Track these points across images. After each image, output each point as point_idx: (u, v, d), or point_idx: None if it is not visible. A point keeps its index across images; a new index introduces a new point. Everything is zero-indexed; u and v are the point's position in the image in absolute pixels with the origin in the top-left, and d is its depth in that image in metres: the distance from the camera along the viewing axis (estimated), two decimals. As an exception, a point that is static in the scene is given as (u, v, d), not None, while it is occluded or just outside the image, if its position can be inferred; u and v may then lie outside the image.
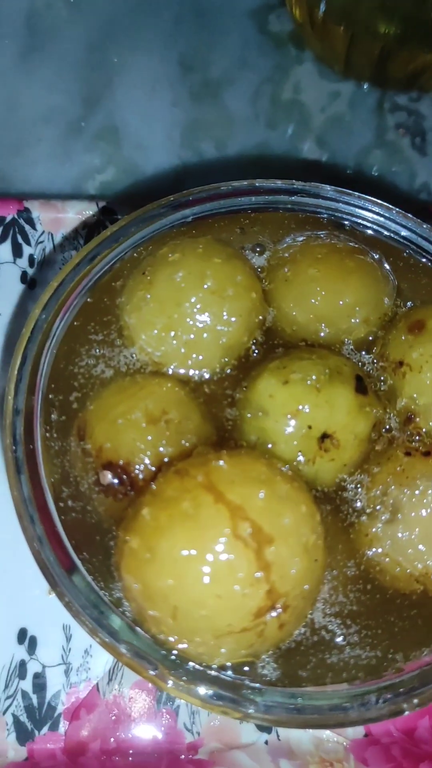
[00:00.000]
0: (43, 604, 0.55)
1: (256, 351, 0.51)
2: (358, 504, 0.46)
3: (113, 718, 0.54)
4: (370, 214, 0.54)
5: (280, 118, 0.78)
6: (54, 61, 0.76)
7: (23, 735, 0.53)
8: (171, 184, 0.74)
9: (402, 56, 0.73)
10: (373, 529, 0.45)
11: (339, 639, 0.44)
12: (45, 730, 0.53)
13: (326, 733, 0.54)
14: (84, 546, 0.44)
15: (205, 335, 0.48)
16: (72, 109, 0.75)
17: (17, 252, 0.64)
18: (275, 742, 0.54)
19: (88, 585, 0.43)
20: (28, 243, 0.64)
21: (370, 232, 0.54)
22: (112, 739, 0.53)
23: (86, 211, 0.66)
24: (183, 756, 0.53)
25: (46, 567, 0.43)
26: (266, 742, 0.54)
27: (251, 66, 0.79)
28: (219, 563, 0.38)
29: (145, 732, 0.54)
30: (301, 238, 0.53)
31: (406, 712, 0.41)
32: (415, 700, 0.42)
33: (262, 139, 0.78)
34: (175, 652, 0.41)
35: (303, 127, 0.78)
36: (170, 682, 0.41)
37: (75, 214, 0.66)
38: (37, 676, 0.54)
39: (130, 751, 0.53)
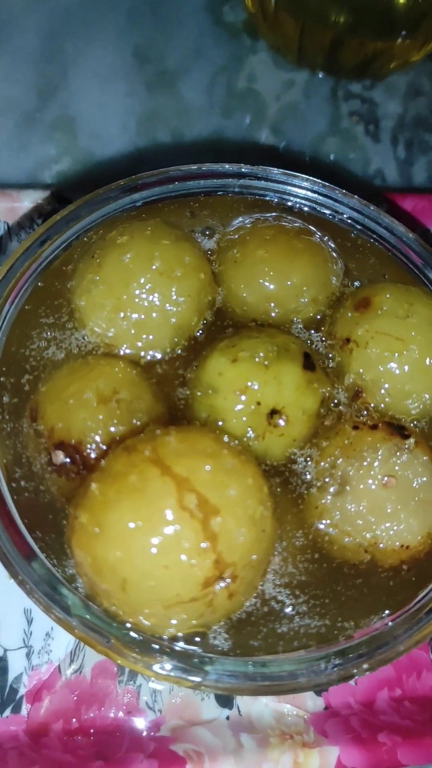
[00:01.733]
0: (3, 588, 0.55)
1: (207, 331, 0.51)
2: (308, 477, 0.47)
3: (75, 698, 0.54)
4: (317, 195, 0.55)
5: (235, 107, 0.79)
6: (8, 52, 0.77)
7: (-14, 719, 0.54)
8: (127, 173, 0.73)
9: (353, 44, 0.74)
10: (323, 501, 0.46)
11: (289, 609, 0.45)
12: (7, 712, 0.54)
13: (286, 707, 0.55)
14: (37, 525, 0.45)
15: (154, 315, 0.48)
16: (27, 99, 0.75)
17: (-28, 241, 0.64)
18: (236, 717, 0.55)
19: (41, 563, 0.43)
20: (-17, 232, 0.65)
21: (316, 213, 0.55)
22: (74, 720, 0.54)
23: (41, 199, 0.66)
24: (145, 733, 0.54)
25: (0, 547, 0.43)
26: (227, 718, 0.55)
27: (206, 56, 0.80)
28: (165, 534, 0.38)
29: (107, 711, 0.54)
30: (249, 221, 0.54)
31: (356, 677, 0.42)
32: (365, 666, 0.43)
33: (218, 128, 0.78)
34: (127, 624, 0.42)
35: (259, 116, 0.79)
36: (124, 655, 0.41)
37: (30, 203, 0.66)
38: (-2, 660, 0.55)
39: (92, 731, 0.53)
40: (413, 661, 0.58)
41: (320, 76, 0.81)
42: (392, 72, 0.80)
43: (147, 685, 0.55)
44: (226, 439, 0.43)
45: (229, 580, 0.40)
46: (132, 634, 0.41)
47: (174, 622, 0.41)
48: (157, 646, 0.41)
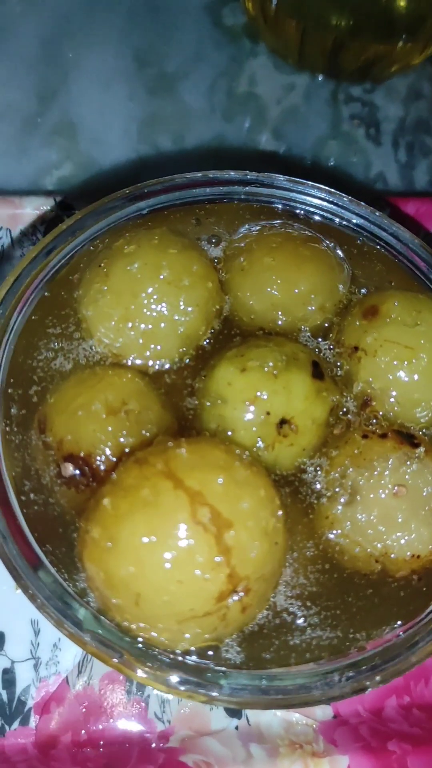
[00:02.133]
0: (10, 600, 0.54)
1: (215, 340, 0.51)
2: (318, 487, 0.47)
3: (83, 710, 0.54)
4: (323, 202, 0.55)
5: (236, 110, 0.79)
6: (8, 57, 0.76)
7: (-6, 731, 0.53)
8: (129, 178, 0.74)
9: (354, 48, 0.74)
10: (333, 511, 0.46)
11: (301, 621, 0.44)
12: (16, 725, 0.53)
13: (295, 716, 0.55)
14: (47, 538, 0.44)
15: (162, 325, 0.48)
16: (27, 105, 0.75)
17: (-25, 249, 0.64)
18: (245, 727, 0.54)
19: (52, 577, 0.43)
20: (-14, 240, 0.64)
21: (323, 220, 0.55)
22: (83, 732, 0.53)
23: (44, 206, 0.66)
24: (154, 745, 0.53)
25: (10, 561, 0.43)
26: (236, 728, 0.54)
27: (206, 60, 0.80)
28: (179, 549, 0.38)
29: (116, 723, 0.54)
30: (256, 228, 0.54)
31: (369, 689, 0.42)
32: (378, 677, 0.43)
33: (219, 132, 0.78)
34: (139, 639, 0.41)
35: (259, 120, 0.79)
36: (136, 670, 0.41)
37: (33, 209, 0.66)
38: (6, 672, 0.54)
39: (101, 743, 0.53)
40: (422, 669, 0.58)
41: (320, 79, 0.80)
42: (393, 75, 0.80)
43: (155, 696, 0.55)
44: (237, 450, 0.43)
45: (242, 594, 0.40)
46: (144, 648, 0.41)
47: (187, 636, 0.40)
48: (170, 661, 0.41)
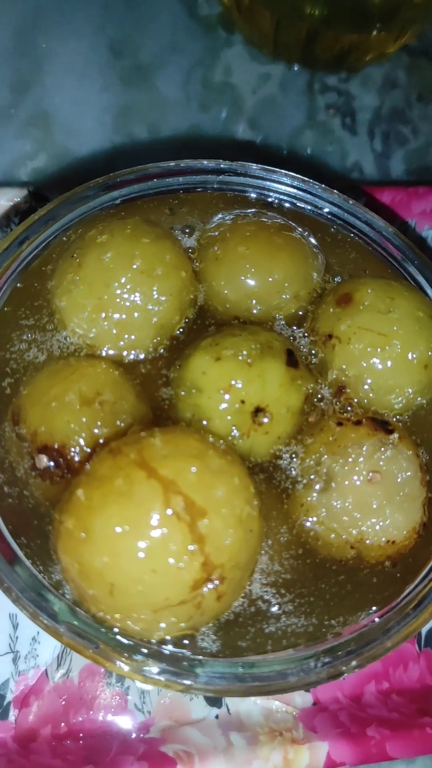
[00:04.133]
0: (-13, 594, 0.54)
1: (189, 330, 0.51)
2: (293, 474, 0.47)
3: (63, 703, 0.54)
4: (296, 190, 0.55)
5: (212, 101, 0.78)
6: (-20, 47, 0.75)
7: (-27, 726, 0.53)
8: (103, 169, 0.72)
9: (328, 37, 0.74)
10: (308, 498, 0.46)
11: (276, 608, 0.44)
12: (-5, 719, 0.53)
13: (275, 704, 0.55)
14: (22, 531, 0.44)
15: (136, 315, 0.48)
16: (1, 96, 0.74)
17: None
18: (225, 716, 0.55)
19: (27, 569, 0.43)
20: (-41, 232, 0.64)
21: (296, 208, 0.55)
22: (63, 724, 0.53)
23: (17, 197, 0.65)
24: (134, 735, 0.53)
25: (-16, 554, 0.43)
26: (216, 717, 0.55)
27: (181, 50, 0.79)
28: (153, 538, 0.38)
29: (96, 714, 0.54)
30: (229, 217, 0.53)
31: (345, 675, 0.42)
32: (354, 663, 0.43)
33: (195, 123, 0.78)
34: (115, 629, 0.41)
35: (235, 110, 0.79)
36: (113, 660, 0.41)
37: (6, 201, 0.65)
38: (-16, 666, 0.54)
39: (81, 735, 0.53)
40: (400, 654, 0.58)
41: (296, 69, 0.80)
42: (368, 64, 0.80)
43: (135, 687, 0.55)
44: (211, 439, 0.42)
45: (217, 582, 0.40)
46: (120, 638, 0.41)
47: (163, 625, 0.40)
48: (146, 650, 0.41)
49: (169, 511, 0.38)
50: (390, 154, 0.79)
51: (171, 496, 0.38)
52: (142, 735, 0.53)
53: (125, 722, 0.54)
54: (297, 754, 0.52)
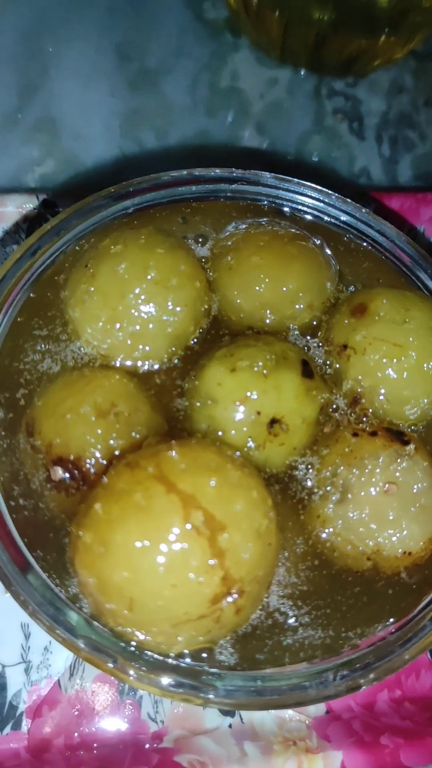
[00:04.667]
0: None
1: (203, 340, 0.51)
2: (309, 485, 0.47)
3: (76, 713, 0.54)
4: (310, 199, 0.54)
5: (219, 105, 0.78)
6: (-14, 52, 0.75)
7: (-15, 736, 0.53)
8: (112, 175, 0.74)
9: (336, 42, 0.74)
10: (324, 510, 0.46)
11: (293, 620, 0.44)
12: (7, 729, 0.53)
13: (288, 713, 0.55)
14: (37, 544, 0.44)
15: (150, 326, 0.48)
16: (7, 100, 0.74)
17: (-43, 249, 0.63)
18: (239, 725, 0.55)
19: (43, 583, 0.43)
20: (-32, 239, 0.63)
21: (310, 217, 0.55)
22: (76, 734, 0.53)
23: (26, 204, 0.65)
24: (148, 745, 0.53)
25: (0, 567, 0.42)
26: (230, 726, 0.54)
27: (188, 54, 0.79)
28: (173, 553, 0.38)
29: (109, 724, 0.54)
30: (243, 226, 0.53)
31: (363, 687, 0.42)
32: (372, 675, 0.43)
33: (202, 127, 0.77)
34: (133, 643, 0.41)
35: (242, 115, 0.78)
36: (131, 674, 0.41)
37: (15, 207, 0.65)
38: (-4, 676, 0.54)
39: (95, 745, 0.53)
40: (412, 662, 0.58)
41: (303, 73, 0.80)
42: (375, 69, 0.80)
43: (148, 697, 0.55)
44: (228, 452, 0.42)
45: (236, 596, 0.40)
46: (138, 652, 0.41)
47: (181, 639, 0.40)
48: (164, 664, 0.41)
49: (189, 526, 0.38)
50: (398, 159, 0.79)
51: (191, 511, 0.38)
52: (155, 745, 0.53)
53: (139, 732, 0.54)
54: (311, 764, 0.52)
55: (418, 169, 0.78)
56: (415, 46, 0.78)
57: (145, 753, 0.53)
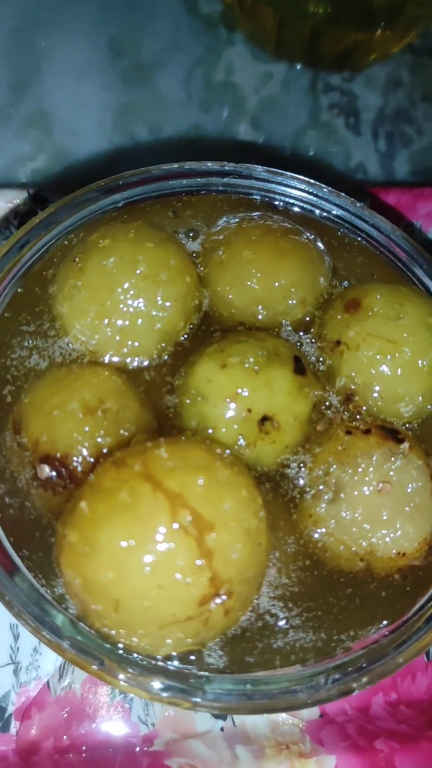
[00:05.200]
0: (-13, 604, 0.53)
1: (194, 336, 0.50)
2: (301, 484, 0.46)
3: (65, 715, 0.53)
4: (303, 193, 0.54)
5: (213, 100, 0.77)
6: (-22, 46, 0.74)
7: (-27, 739, 0.52)
8: (104, 170, 0.72)
9: (332, 36, 0.73)
10: (317, 510, 0.45)
11: (284, 622, 0.43)
12: (-5, 732, 0.52)
13: (282, 716, 0.54)
14: (23, 543, 0.43)
15: (139, 321, 0.47)
16: (-1, 95, 0.73)
17: None
18: (231, 729, 0.54)
19: (29, 583, 0.42)
20: (-43, 234, 0.63)
21: (303, 211, 0.54)
22: (65, 737, 0.52)
23: (17, 199, 0.64)
24: (138, 749, 0.52)
25: (-16, 566, 0.42)
26: (222, 729, 0.54)
27: (182, 48, 0.78)
28: (159, 553, 0.37)
29: (99, 727, 0.53)
30: (234, 220, 0.52)
31: (356, 691, 0.41)
32: (365, 679, 0.42)
33: (197, 122, 0.77)
34: (120, 645, 0.40)
35: (237, 109, 0.78)
36: (117, 676, 0.40)
37: (5, 202, 0.64)
38: (-16, 678, 0.53)
39: (84, 748, 0.52)
40: (408, 665, 0.57)
41: (299, 68, 0.79)
42: (371, 64, 0.79)
43: (139, 699, 0.54)
44: (218, 450, 0.41)
45: (225, 597, 0.39)
46: (125, 654, 0.40)
47: (169, 641, 0.39)
48: (151, 667, 0.40)
49: (176, 525, 0.37)
50: (394, 154, 0.78)
51: (178, 510, 0.37)
52: (146, 748, 0.52)
53: (129, 735, 0.53)
54: (304, 768, 0.51)
55: (415, 165, 0.78)
56: (411, 41, 0.77)
57: (135, 756, 0.52)
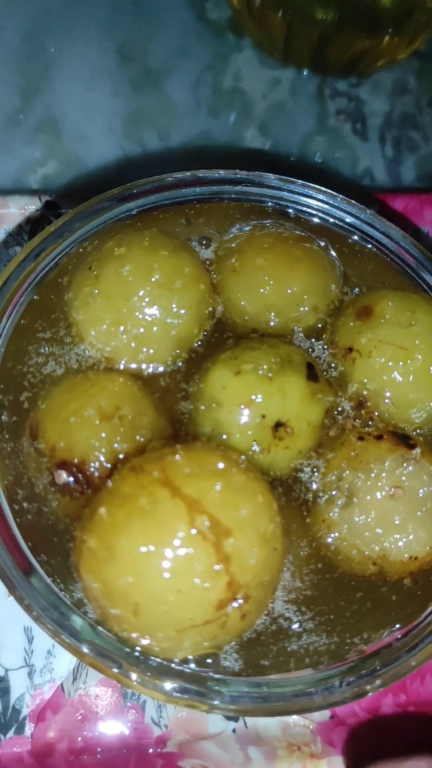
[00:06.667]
0: (2, 607, 0.54)
1: (207, 343, 0.50)
2: (314, 490, 0.47)
3: (79, 717, 0.53)
4: (315, 201, 0.54)
5: (221, 106, 0.78)
6: (-12, 52, 0.75)
7: (-12, 741, 0.53)
8: (114, 176, 0.73)
9: (340, 42, 0.73)
10: (330, 515, 0.46)
11: (299, 626, 0.44)
12: (11, 734, 0.53)
13: (293, 718, 0.55)
14: (42, 548, 0.44)
15: (155, 329, 0.47)
16: (9, 101, 0.74)
17: (-41, 250, 0.63)
18: (243, 730, 0.54)
19: (48, 587, 0.42)
20: (-30, 240, 0.63)
21: (315, 219, 0.55)
22: (79, 738, 0.53)
23: (29, 206, 0.64)
24: (151, 750, 0.53)
25: (4, 571, 0.42)
26: (234, 731, 0.54)
27: (191, 54, 0.79)
28: (178, 558, 0.37)
29: (113, 729, 0.53)
30: (247, 228, 0.53)
31: (370, 694, 0.42)
32: (378, 681, 0.42)
33: (205, 128, 0.77)
34: (138, 648, 0.41)
35: (245, 115, 0.78)
36: (135, 679, 0.41)
37: (18, 209, 0.64)
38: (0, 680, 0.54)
39: (98, 749, 0.53)
40: (417, 666, 0.58)
41: (306, 74, 0.80)
42: (379, 70, 0.80)
43: (152, 701, 0.54)
44: (233, 456, 0.42)
45: (242, 601, 0.39)
46: (143, 658, 0.41)
47: (186, 645, 0.40)
48: (169, 670, 0.41)
49: (194, 531, 0.38)
50: (401, 160, 0.78)
51: (196, 516, 0.38)
52: (159, 749, 0.53)
53: (142, 737, 0.53)
54: (315, 769, 0.52)
55: (422, 170, 0.78)
56: (419, 47, 0.77)
57: (148, 758, 0.53)
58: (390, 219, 0.56)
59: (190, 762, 0.52)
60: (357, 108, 0.80)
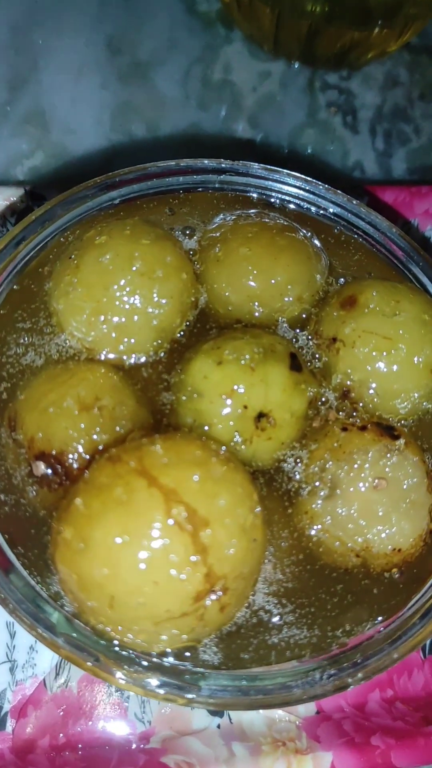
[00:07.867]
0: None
1: (190, 333, 0.50)
2: (297, 481, 0.46)
3: (61, 713, 0.53)
4: (299, 191, 0.54)
5: (211, 98, 0.77)
6: (-25, 44, 0.74)
7: (-31, 737, 0.52)
8: (101, 168, 0.72)
9: (329, 34, 0.73)
10: (313, 506, 0.45)
11: (279, 619, 0.43)
12: (-8, 730, 0.52)
13: (278, 713, 0.54)
14: (19, 540, 0.43)
15: (135, 318, 0.47)
16: (-4, 93, 0.73)
17: None
18: (227, 726, 0.54)
19: (24, 580, 0.42)
20: None
21: (299, 209, 0.54)
22: (61, 735, 0.52)
23: (14, 196, 0.64)
24: (134, 746, 0.52)
25: (-20, 563, 0.42)
26: (218, 726, 0.54)
27: (180, 47, 0.78)
28: (154, 549, 0.37)
29: (95, 725, 0.53)
30: (231, 218, 0.52)
31: (351, 687, 0.41)
32: (360, 674, 0.42)
33: (195, 121, 0.77)
34: (115, 641, 0.40)
35: (235, 108, 0.78)
36: (113, 673, 0.40)
37: (3, 200, 0.64)
38: (-19, 675, 0.53)
39: (80, 746, 0.52)
40: (404, 661, 0.57)
41: (296, 66, 0.79)
42: (369, 62, 0.79)
43: (136, 696, 0.54)
44: (213, 446, 0.41)
45: (220, 593, 0.39)
46: (120, 651, 0.40)
47: (164, 637, 0.39)
48: (146, 663, 0.40)
49: (171, 521, 0.37)
50: (392, 153, 0.78)
51: (172, 506, 0.37)
52: (142, 745, 0.52)
53: (125, 732, 0.53)
54: (300, 765, 0.51)
55: (412, 163, 0.78)
56: (409, 39, 0.77)
57: (131, 754, 0.52)
58: (380, 211, 0.56)
59: (173, 758, 0.51)
60: (348, 100, 0.79)
